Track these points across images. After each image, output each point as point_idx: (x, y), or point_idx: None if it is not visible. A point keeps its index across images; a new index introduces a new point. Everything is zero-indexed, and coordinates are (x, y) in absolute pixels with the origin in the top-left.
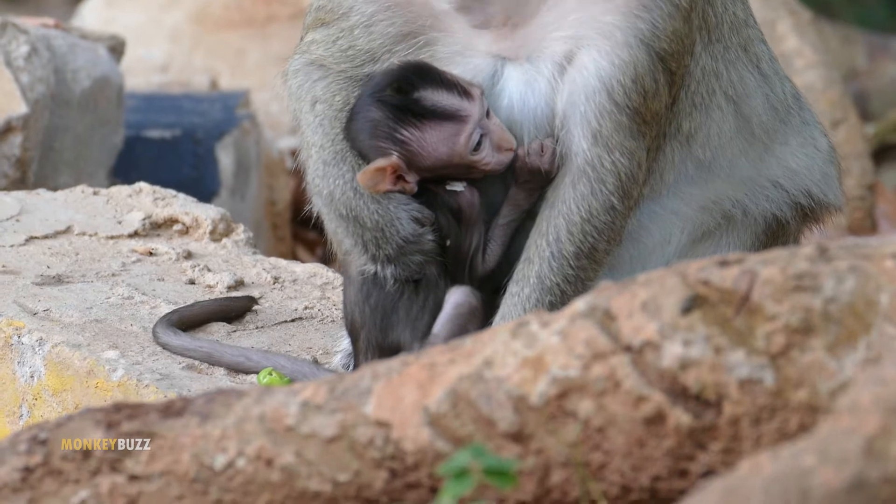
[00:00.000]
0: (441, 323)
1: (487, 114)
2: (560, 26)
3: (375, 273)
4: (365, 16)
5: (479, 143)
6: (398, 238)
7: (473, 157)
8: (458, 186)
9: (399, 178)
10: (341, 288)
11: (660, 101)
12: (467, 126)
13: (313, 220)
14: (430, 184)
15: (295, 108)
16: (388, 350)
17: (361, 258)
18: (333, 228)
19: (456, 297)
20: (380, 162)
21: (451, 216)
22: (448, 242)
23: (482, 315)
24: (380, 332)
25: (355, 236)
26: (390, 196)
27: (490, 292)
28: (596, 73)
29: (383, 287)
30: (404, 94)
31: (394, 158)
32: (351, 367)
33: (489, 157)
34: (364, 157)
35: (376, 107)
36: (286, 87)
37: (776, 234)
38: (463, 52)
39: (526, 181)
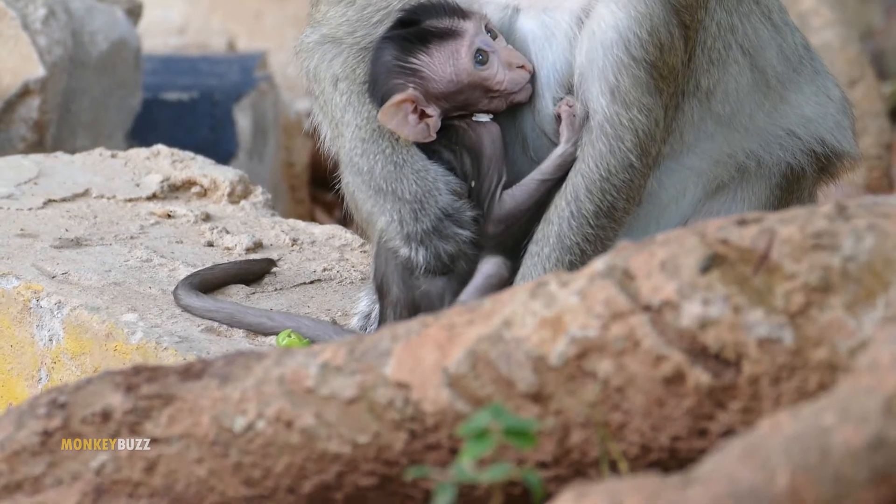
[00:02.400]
0: (469, 292)
1: (494, 36)
2: None
3: (408, 258)
4: None
5: (485, 60)
6: (436, 208)
7: (482, 72)
8: (484, 117)
9: (421, 113)
10: (363, 250)
11: (675, 55)
12: (465, 40)
13: (334, 184)
14: (455, 120)
15: (314, 88)
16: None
17: (395, 238)
18: (369, 207)
19: (488, 268)
20: (397, 96)
21: (475, 156)
22: (472, 184)
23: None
24: (410, 307)
25: (392, 212)
26: (428, 168)
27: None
28: (614, 25)
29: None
30: (408, 26)
31: (410, 90)
32: (370, 328)
33: (501, 75)
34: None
35: (386, 47)
36: (301, 65)
37: (791, 185)
38: (477, 0)
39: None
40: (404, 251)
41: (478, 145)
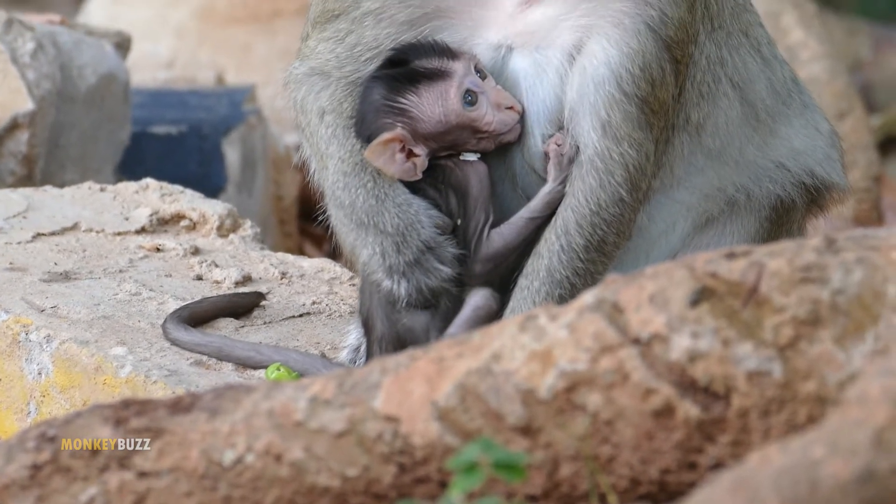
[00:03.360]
0: (457, 324)
1: (483, 76)
2: (570, 15)
3: (390, 291)
4: (377, 2)
5: (474, 101)
6: (418, 241)
7: (471, 113)
8: (472, 156)
9: (409, 152)
10: (352, 283)
11: (667, 90)
12: (454, 80)
13: (319, 216)
14: (443, 159)
15: (301, 120)
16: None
17: (378, 271)
18: (352, 240)
19: (476, 300)
20: (385, 135)
21: (461, 195)
22: (459, 222)
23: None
24: (394, 342)
25: (374, 245)
26: (410, 201)
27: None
28: (606, 62)
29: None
30: (398, 66)
31: (398, 130)
32: (359, 361)
33: (489, 116)
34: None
35: (375, 86)
36: (289, 96)
37: (781, 218)
38: (470, 39)
39: (565, 178)
40: (386, 284)
41: (464, 184)
